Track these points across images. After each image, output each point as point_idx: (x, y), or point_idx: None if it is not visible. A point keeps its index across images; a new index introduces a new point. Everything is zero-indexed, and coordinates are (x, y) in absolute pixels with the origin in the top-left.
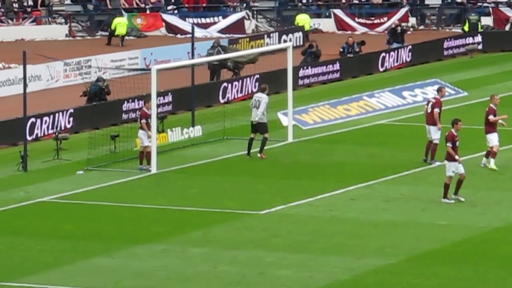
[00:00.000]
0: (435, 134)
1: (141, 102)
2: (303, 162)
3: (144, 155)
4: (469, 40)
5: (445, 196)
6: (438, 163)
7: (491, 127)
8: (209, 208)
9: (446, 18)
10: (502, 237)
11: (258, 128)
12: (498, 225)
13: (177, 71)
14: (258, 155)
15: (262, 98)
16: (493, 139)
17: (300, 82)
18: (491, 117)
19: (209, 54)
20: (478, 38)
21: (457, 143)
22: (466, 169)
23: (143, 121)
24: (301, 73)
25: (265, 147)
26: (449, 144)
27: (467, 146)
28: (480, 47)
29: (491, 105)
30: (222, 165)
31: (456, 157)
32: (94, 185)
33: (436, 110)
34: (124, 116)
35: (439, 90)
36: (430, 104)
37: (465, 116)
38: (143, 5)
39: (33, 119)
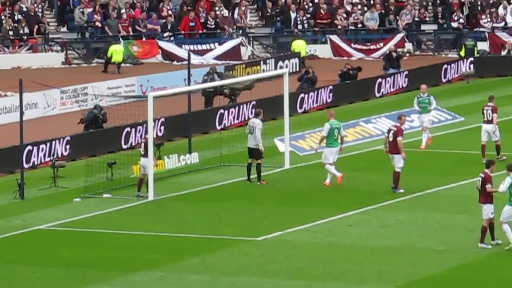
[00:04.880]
0: (399, 162)
1: (139, 129)
2: (300, 188)
3: (143, 182)
4: (461, 64)
5: (482, 241)
6: (402, 190)
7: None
8: (206, 234)
9: (442, 43)
10: (499, 262)
11: (253, 153)
12: (496, 250)
13: (173, 98)
14: (258, 183)
15: (256, 124)
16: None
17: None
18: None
19: (204, 81)
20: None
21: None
22: (464, 195)
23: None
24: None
25: (263, 173)
26: (489, 186)
27: (464, 171)
28: (472, 69)
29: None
30: (219, 191)
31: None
32: (91, 213)
33: (399, 138)
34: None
35: (399, 118)
36: (392, 132)
37: (461, 141)
38: (142, 30)
39: (30, 147)
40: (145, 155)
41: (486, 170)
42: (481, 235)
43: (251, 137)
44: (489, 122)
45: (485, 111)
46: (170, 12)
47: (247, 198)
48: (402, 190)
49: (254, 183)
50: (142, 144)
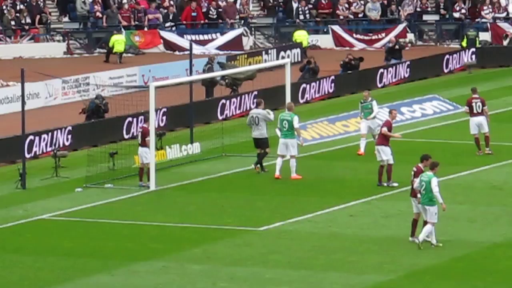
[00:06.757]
0: (387, 155)
1: (141, 119)
2: (302, 179)
3: (144, 172)
4: (463, 55)
5: (412, 235)
6: (396, 184)
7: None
8: (208, 225)
9: (444, 34)
10: (501, 253)
11: (261, 143)
12: (497, 240)
13: (175, 88)
14: (252, 165)
15: (260, 113)
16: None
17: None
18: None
19: (203, 71)
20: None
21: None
22: (465, 186)
23: (147, 138)
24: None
25: (264, 163)
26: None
27: (465, 161)
28: (474, 60)
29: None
30: (221, 182)
31: (418, 195)
32: (93, 203)
33: (384, 129)
34: (123, 133)
35: (390, 112)
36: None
37: (463, 132)
38: (142, 21)
39: (31, 137)
40: (142, 144)
41: (420, 165)
42: (411, 228)
43: (256, 128)
44: (479, 114)
45: (473, 104)
46: (172, 2)
47: (249, 188)
48: (396, 184)
49: (254, 173)
50: (139, 133)
